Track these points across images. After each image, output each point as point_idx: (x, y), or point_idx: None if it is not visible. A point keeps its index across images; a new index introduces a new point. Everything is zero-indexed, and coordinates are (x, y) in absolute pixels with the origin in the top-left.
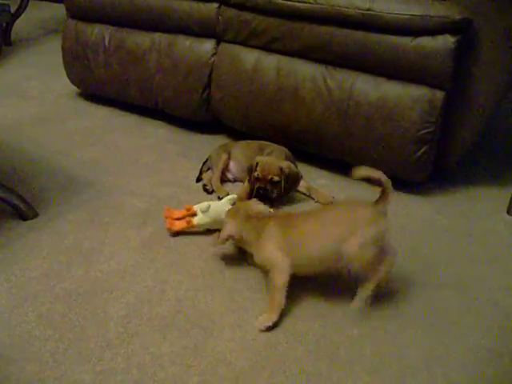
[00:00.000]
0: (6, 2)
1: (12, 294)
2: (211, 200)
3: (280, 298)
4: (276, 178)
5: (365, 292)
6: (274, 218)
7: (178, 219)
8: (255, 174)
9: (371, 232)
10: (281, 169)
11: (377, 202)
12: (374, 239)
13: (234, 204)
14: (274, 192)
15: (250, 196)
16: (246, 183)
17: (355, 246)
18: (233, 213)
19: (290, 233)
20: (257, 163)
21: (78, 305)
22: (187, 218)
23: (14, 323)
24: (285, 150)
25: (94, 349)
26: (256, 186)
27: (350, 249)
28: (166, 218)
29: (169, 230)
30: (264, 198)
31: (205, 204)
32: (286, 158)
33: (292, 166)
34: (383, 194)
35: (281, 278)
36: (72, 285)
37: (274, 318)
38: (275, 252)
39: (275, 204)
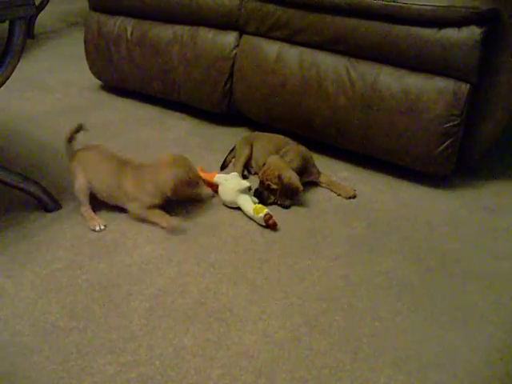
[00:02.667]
0: None
1: (36, 286)
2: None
3: None
4: (273, 186)
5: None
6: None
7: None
8: (259, 175)
9: None
10: (279, 177)
11: None
12: None
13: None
14: (270, 198)
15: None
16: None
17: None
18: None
19: None
20: (264, 164)
21: (101, 296)
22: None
23: (37, 314)
24: (302, 151)
25: (118, 340)
26: (255, 188)
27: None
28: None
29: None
30: (260, 201)
31: (246, 185)
32: (301, 161)
33: (294, 178)
34: None
35: None
36: (95, 277)
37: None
38: None
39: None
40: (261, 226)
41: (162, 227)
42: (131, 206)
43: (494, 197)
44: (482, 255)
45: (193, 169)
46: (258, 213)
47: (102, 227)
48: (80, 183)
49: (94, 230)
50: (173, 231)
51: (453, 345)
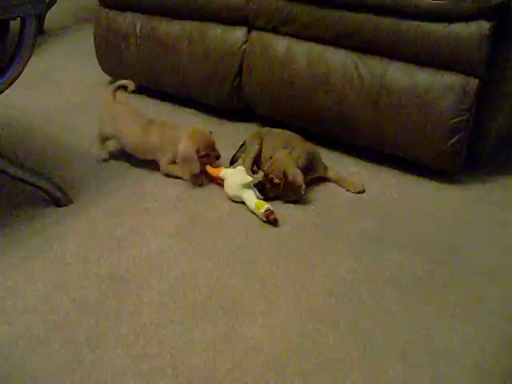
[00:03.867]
0: None
1: (47, 279)
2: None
3: None
4: (276, 180)
5: None
6: None
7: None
8: (265, 168)
9: None
10: (284, 173)
11: None
12: None
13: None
14: (272, 193)
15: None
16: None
17: None
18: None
19: None
20: (271, 158)
21: (112, 290)
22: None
23: (49, 308)
24: (308, 149)
25: (129, 334)
26: (257, 180)
27: None
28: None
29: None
30: (261, 193)
31: (249, 180)
32: (307, 159)
33: (298, 175)
34: None
35: None
36: (106, 271)
37: None
38: None
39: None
40: (263, 221)
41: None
42: (162, 160)
43: (502, 191)
44: (490, 249)
45: (205, 147)
46: (259, 208)
47: (104, 156)
48: (104, 131)
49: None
50: (193, 184)
51: (461, 338)
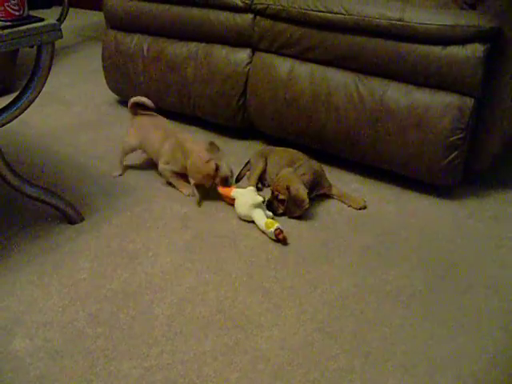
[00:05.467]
0: (56, 22)
1: (63, 294)
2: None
3: None
4: (281, 196)
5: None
6: None
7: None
8: (270, 187)
9: None
10: (287, 188)
11: None
12: None
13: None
14: (280, 209)
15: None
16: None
17: None
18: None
19: None
20: (276, 175)
21: (125, 305)
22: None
23: (65, 321)
24: (314, 166)
25: (142, 346)
26: (267, 198)
27: None
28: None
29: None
30: (270, 210)
31: (259, 200)
32: (313, 175)
33: (302, 190)
34: None
35: None
36: (119, 286)
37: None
38: None
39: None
40: (272, 239)
41: (182, 193)
42: (161, 166)
43: (499, 206)
44: (488, 263)
45: (215, 164)
46: (268, 227)
47: (119, 172)
48: (129, 143)
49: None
50: (191, 197)
51: (459, 349)
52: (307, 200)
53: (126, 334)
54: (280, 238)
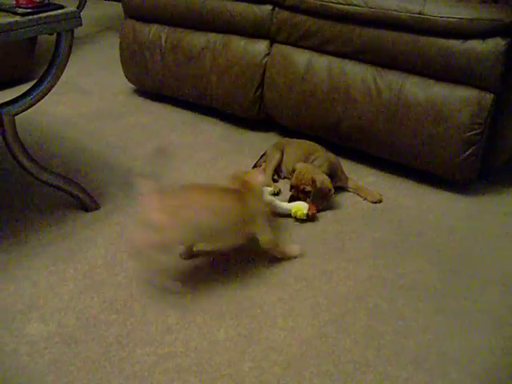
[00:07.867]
0: (76, 10)
1: (78, 281)
2: None
3: None
4: (308, 188)
5: None
6: None
7: None
8: (291, 181)
9: None
10: (313, 180)
11: None
12: None
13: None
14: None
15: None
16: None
17: None
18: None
19: None
20: (293, 170)
21: (139, 292)
22: None
23: (80, 307)
24: (331, 157)
25: (155, 333)
26: (290, 194)
27: None
28: None
29: None
30: None
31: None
32: (330, 167)
33: (326, 181)
34: None
35: None
36: (133, 273)
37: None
38: None
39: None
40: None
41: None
42: None
43: None
44: (502, 259)
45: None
46: (299, 209)
47: None
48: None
49: None
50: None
51: (472, 345)
52: (333, 189)
53: (139, 321)
54: (313, 214)
